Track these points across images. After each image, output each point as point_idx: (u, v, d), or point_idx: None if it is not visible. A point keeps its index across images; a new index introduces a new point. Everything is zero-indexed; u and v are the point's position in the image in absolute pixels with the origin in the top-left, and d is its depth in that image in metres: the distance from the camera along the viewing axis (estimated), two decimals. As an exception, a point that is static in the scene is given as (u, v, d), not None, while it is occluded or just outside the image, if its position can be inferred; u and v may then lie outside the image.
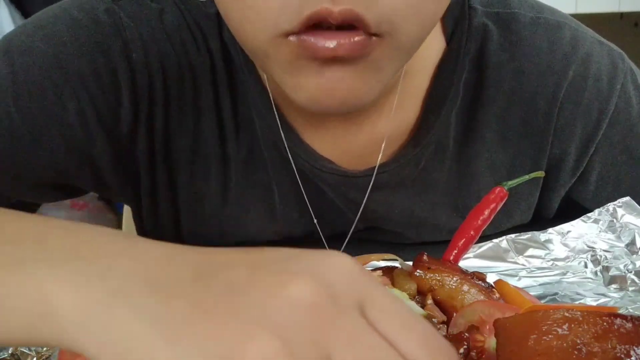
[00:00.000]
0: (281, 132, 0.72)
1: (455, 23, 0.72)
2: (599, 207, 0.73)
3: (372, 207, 0.75)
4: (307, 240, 0.80)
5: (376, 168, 0.73)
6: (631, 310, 0.61)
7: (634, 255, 0.68)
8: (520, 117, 0.74)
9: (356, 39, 0.50)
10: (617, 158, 0.78)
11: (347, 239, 0.77)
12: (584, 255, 0.70)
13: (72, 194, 0.80)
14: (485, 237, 0.68)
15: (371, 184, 0.73)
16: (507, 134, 0.75)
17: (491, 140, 0.74)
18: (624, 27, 2.35)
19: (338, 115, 0.71)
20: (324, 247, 0.77)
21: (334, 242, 0.77)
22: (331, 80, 0.52)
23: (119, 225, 2.02)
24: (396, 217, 0.77)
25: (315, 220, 0.77)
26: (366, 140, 0.73)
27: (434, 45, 0.72)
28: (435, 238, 0.79)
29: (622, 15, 2.29)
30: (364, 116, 0.72)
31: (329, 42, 0.50)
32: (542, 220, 0.82)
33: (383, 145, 0.72)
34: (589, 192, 0.80)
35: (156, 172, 0.75)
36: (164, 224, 0.81)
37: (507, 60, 0.73)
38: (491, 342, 0.50)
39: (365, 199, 0.74)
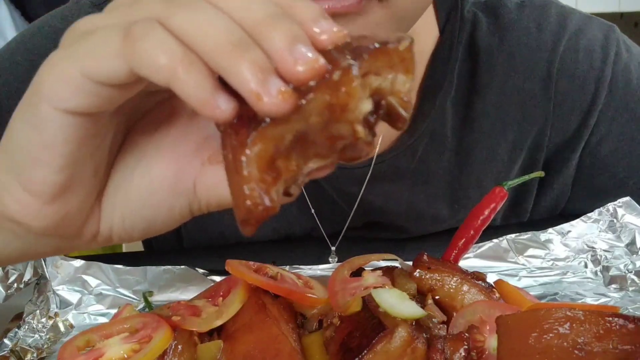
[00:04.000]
0: None
1: (448, 13, 0.73)
2: (620, 187, 0.73)
3: (370, 199, 0.75)
4: (306, 237, 0.80)
5: (374, 159, 0.73)
6: (631, 310, 0.61)
7: (634, 255, 0.68)
8: (516, 101, 0.74)
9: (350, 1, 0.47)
10: (626, 126, 0.77)
11: (343, 231, 0.77)
12: (584, 255, 0.70)
13: None
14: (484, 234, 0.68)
15: (369, 174, 0.73)
16: (505, 119, 0.75)
17: (490, 128, 0.75)
18: (624, 27, 2.35)
19: None
20: (325, 244, 0.77)
21: (333, 239, 0.77)
22: None
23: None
24: (394, 209, 0.77)
25: (312, 211, 0.76)
26: None
27: (428, 35, 0.73)
28: (435, 229, 0.79)
29: (622, 15, 2.29)
30: None
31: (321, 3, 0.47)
32: (555, 211, 0.82)
33: (380, 138, 0.72)
34: (606, 170, 0.79)
35: None
36: None
37: (497, 44, 0.73)
38: (491, 342, 0.50)
39: (363, 190, 0.74)
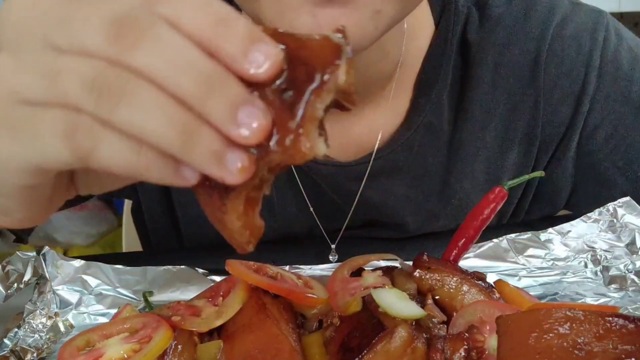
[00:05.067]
0: None
1: (442, 7, 0.74)
2: (623, 175, 0.74)
3: (368, 195, 0.75)
4: (306, 237, 0.80)
5: (373, 155, 0.73)
6: (631, 311, 0.61)
7: (634, 255, 0.68)
8: (506, 92, 0.75)
9: None
10: (619, 110, 0.76)
11: (342, 229, 0.77)
12: (584, 255, 0.70)
13: (73, 202, 0.81)
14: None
15: (367, 171, 0.73)
16: (496, 109, 0.75)
17: (481, 117, 0.75)
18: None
19: None
20: (325, 244, 0.77)
21: (333, 237, 0.78)
22: (325, 20, 0.50)
23: (119, 225, 2.01)
24: (392, 205, 0.77)
25: (311, 209, 0.77)
26: (362, 131, 0.74)
27: (425, 31, 0.74)
28: (431, 226, 0.79)
29: (622, 15, 2.29)
30: (361, 107, 0.72)
31: None
32: (559, 202, 0.82)
33: (379, 135, 0.73)
34: (605, 157, 0.78)
35: None
36: (163, 221, 0.81)
37: (487, 35, 0.74)
38: (491, 342, 0.50)
39: (362, 187, 0.74)
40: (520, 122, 0.76)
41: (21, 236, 0.75)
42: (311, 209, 0.77)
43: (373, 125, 0.73)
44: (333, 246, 0.77)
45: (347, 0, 0.49)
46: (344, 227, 0.77)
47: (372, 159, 0.73)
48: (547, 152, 0.78)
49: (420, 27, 0.72)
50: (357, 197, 0.75)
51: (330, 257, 0.75)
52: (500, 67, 0.74)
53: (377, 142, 0.73)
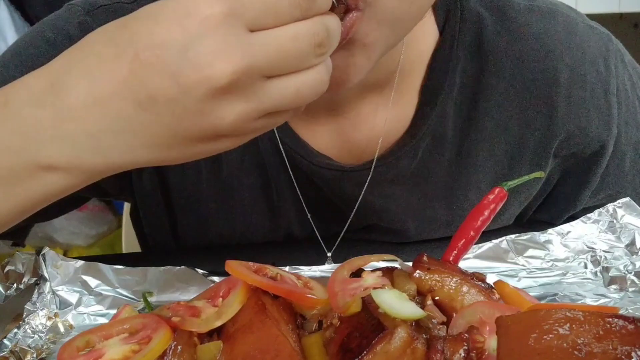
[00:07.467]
0: (274, 129, 0.72)
1: (447, 12, 0.72)
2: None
3: (370, 201, 0.75)
4: (306, 239, 0.80)
5: (374, 162, 0.73)
6: (631, 311, 0.61)
7: (634, 256, 0.68)
8: (520, 104, 0.74)
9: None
10: (637, 135, 0.78)
11: (341, 235, 0.77)
12: (584, 256, 0.70)
13: (75, 205, 0.81)
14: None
15: (369, 177, 0.73)
16: (508, 122, 0.74)
17: (492, 129, 0.74)
18: (624, 27, 2.35)
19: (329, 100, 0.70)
20: (321, 246, 0.77)
21: (332, 241, 0.77)
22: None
23: (118, 225, 2.02)
24: (394, 210, 0.77)
25: (309, 216, 0.77)
26: (363, 135, 0.73)
27: (428, 37, 0.73)
28: (432, 233, 0.79)
29: (622, 16, 2.29)
30: (358, 111, 0.72)
31: None
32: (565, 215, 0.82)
33: (380, 139, 0.72)
34: (629, 183, 0.79)
35: (143, 173, 0.76)
36: (161, 225, 0.81)
37: (505, 45, 0.73)
38: (491, 343, 0.50)
39: (363, 192, 0.74)
40: (531, 139, 0.75)
41: (18, 239, 0.75)
42: (308, 216, 0.77)
43: (374, 131, 0.73)
44: (329, 254, 0.77)
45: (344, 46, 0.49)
46: (342, 233, 0.77)
47: (373, 165, 0.73)
48: (572, 174, 0.79)
49: (422, 32, 0.72)
50: (359, 201, 0.75)
51: (326, 264, 0.75)
52: (515, 80, 0.73)
53: (378, 148, 0.73)
